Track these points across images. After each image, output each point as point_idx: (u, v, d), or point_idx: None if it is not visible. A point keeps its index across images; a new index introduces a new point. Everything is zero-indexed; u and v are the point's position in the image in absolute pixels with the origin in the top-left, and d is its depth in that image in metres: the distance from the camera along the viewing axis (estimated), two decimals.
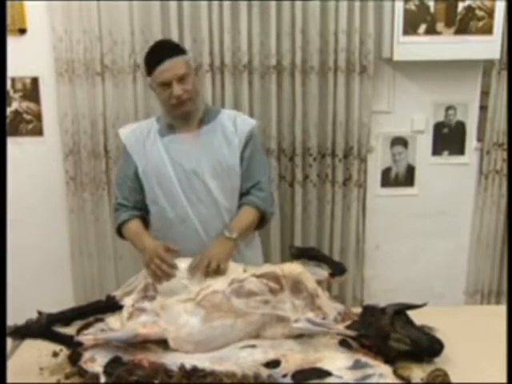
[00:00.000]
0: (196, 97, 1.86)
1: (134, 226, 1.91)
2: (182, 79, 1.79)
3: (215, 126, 1.92)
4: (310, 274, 1.63)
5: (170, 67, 1.78)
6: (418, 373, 1.41)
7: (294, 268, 1.62)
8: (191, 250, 1.77)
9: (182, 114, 1.86)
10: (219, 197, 1.89)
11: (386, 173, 2.69)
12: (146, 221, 1.97)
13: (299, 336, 1.55)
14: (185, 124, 1.90)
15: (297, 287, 1.59)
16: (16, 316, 1.51)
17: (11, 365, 1.46)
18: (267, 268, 1.63)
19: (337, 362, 1.41)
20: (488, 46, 2.44)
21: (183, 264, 1.67)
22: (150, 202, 1.94)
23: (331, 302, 1.64)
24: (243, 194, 1.95)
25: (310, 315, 1.54)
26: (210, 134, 1.90)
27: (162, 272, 1.65)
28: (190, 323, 1.51)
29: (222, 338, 1.51)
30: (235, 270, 1.66)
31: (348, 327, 1.50)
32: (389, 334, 1.44)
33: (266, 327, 1.56)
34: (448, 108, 2.64)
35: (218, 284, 1.56)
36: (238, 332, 1.53)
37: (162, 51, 1.82)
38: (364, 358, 1.42)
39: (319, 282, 1.66)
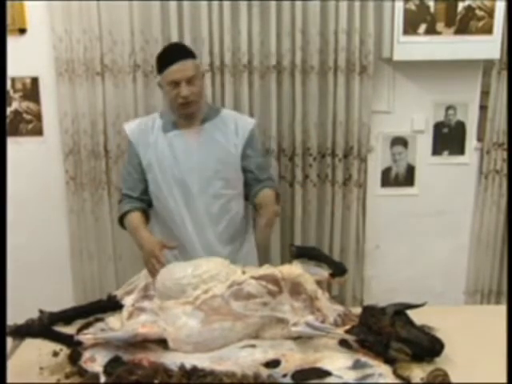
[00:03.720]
0: (200, 99, 1.95)
1: (134, 218, 1.93)
2: (190, 81, 1.87)
3: (216, 123, 1.99)
4: (309, 276, 1.62)
5: (181, 68, 1.86)
6: (417, 373, 1.40)
7: (293, 270, 1.61)
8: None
9: (186, 114, 1.94)
10: (222, 189, 1.96)
11: (386, 173, 2.69)
12: (147, 213, 2.02)
13: (299, 336, 1.55)
14: (188, 122, 1.97)
15: (296, 289, 1.58)
16: (16, 316, 1.50)
17: (11, 365, 1.45)
18: (266, 270, 1.62)
19: (337, 361, 1.41)
20: (488, 46, 2.44)
21: (181, 268, 1.65)
22: (153, 196, 2.00)
23: (331, 304, 1.63)
24: (257, 182, 2.03)
25: (310, 318, 1.52)
26: (212, 131, 1.98)
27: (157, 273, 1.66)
28: (188, 325, 1.50)
29: (221, 340, 1.51)
30: (234, 272, 1.65)
31: (348, 331, 1.49)
32: (389, 341, 1.44)
33: (265, 329, 1.55)
34: (448, 108, 2.64)
35: (218, 288, 1.55)
36: (237, 334, 1.52)
37: (174, 53, 1.90)
38: (364, 358, 1.42)
39: (319, 283, 1.66)
